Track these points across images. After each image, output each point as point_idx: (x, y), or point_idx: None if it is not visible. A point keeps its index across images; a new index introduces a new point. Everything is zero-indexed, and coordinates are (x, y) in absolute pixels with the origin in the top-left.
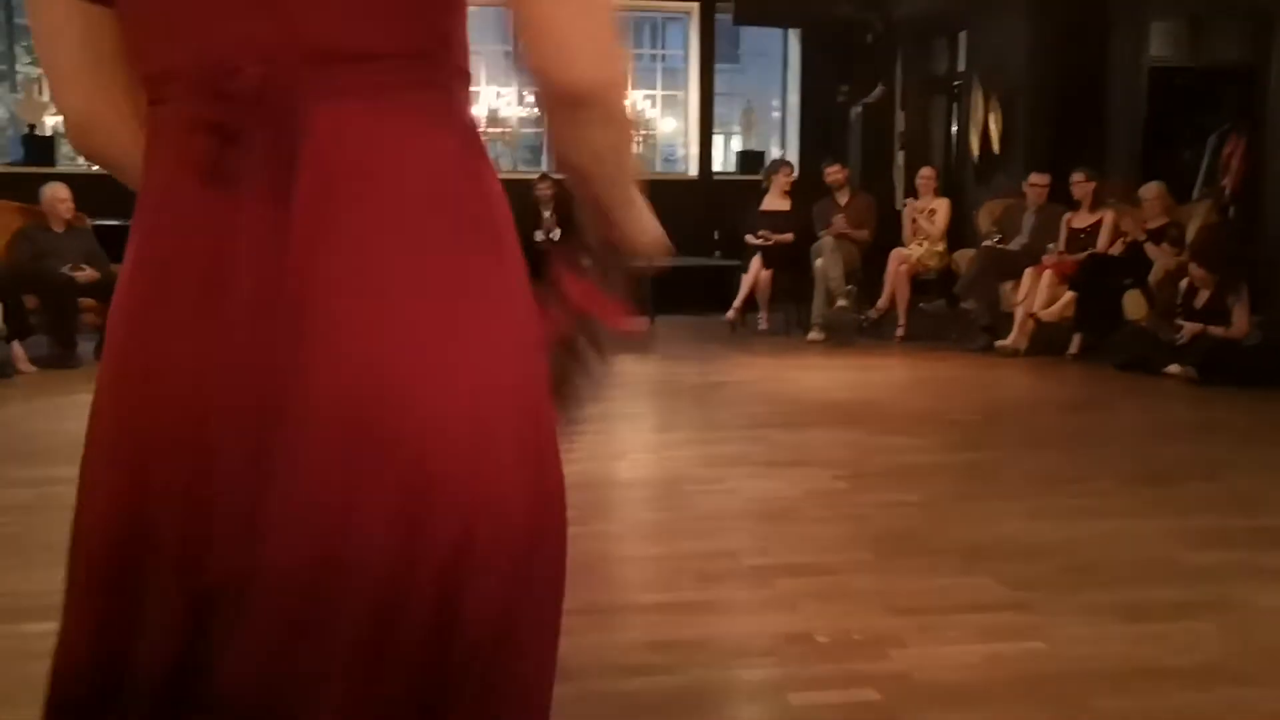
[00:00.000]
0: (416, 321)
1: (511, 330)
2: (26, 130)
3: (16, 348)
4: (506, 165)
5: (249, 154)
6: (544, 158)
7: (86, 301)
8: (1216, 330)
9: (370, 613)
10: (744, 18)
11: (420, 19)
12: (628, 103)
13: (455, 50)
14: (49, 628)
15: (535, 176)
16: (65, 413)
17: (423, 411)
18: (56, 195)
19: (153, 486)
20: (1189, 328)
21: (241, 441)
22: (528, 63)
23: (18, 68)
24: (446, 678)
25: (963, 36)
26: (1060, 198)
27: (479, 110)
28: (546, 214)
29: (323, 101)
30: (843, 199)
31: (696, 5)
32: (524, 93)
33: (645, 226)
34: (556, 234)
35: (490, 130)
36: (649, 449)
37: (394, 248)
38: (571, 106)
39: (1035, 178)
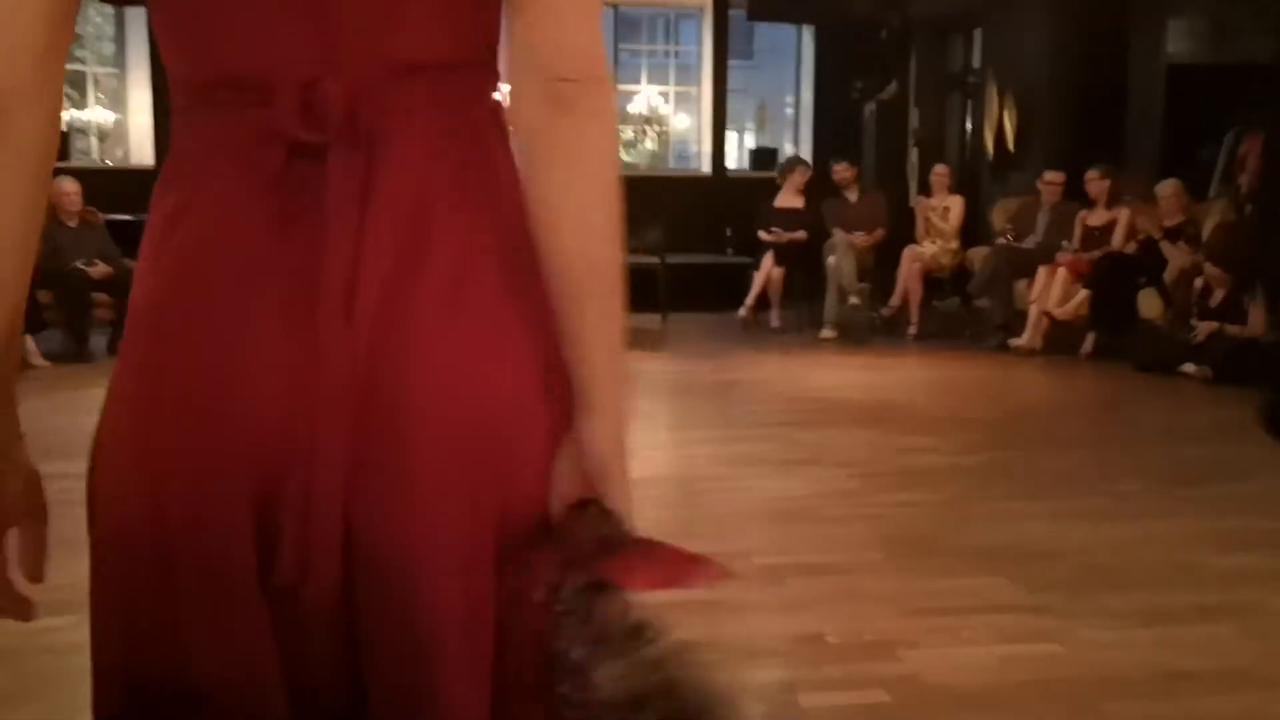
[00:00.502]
0: (500, 344)
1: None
2: None
3: (29, 342)
4: None
5: (327, 167)
6: None
7: (99, 296)
8: (1232, 329)
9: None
10: (758, 14)
11: (480, 29)
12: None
13: (497, 60)
14: (63, 622)
15: None
16: (78, 407)
17: (509, 427)
18: (62, 189)
19: (231, 496)
20: (1204, 327)
21: (334, 455)
22: (528, 39)
23: None
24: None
25: (978, 34)
26: (1076, 195)
27: None
28: None
29: (402, 115)
30: (851, 197)
31: (710, 1)
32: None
33: (627, 407)
34: None
35: None
36: (662, 447)
37: (473, 267)
38: (577, 89)
39: (1049, 175)
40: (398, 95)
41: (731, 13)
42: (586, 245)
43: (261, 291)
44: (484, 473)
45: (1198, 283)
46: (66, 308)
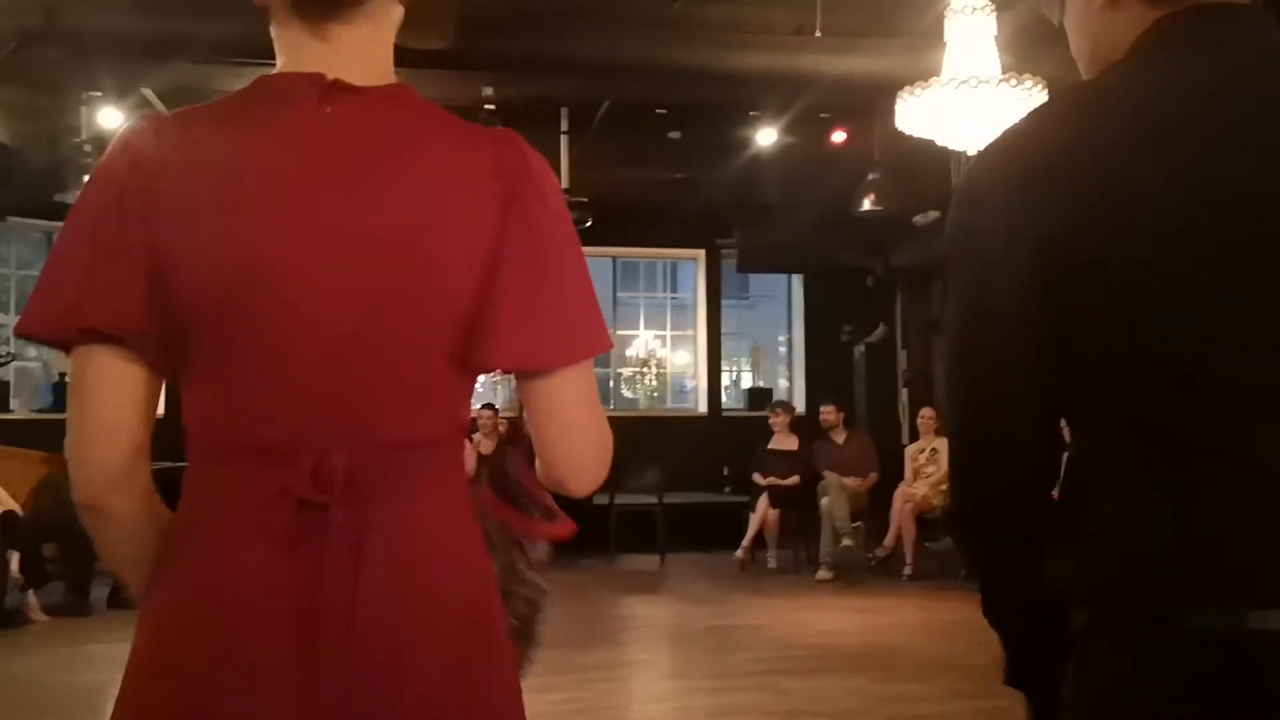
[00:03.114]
0: (482, 667)
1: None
2: (56, 378)
3: (30, 597)
4: None
5: (328, 522)
6: None
7: None
8: None
9: None
10: (747, 265)
11: (452, 415)
12: None
13: (465, 432)
14: None
15: None
16: (78, 665)
17: None
18: None
19: None
20: None
21: None
22: (547, 469)
23: None
24: None
25: None
26: None
27: None
28: None
29: (390, 480)
30: (839, 439)
31: (703, 252)
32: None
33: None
34: None
35: None
36: (658, 700)
37: (450, 604)
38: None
39: None
40: (387, 465)
41: (724, 263)
42: None
43: (268, 631)
44: None
45: None
46: (71, 561)
